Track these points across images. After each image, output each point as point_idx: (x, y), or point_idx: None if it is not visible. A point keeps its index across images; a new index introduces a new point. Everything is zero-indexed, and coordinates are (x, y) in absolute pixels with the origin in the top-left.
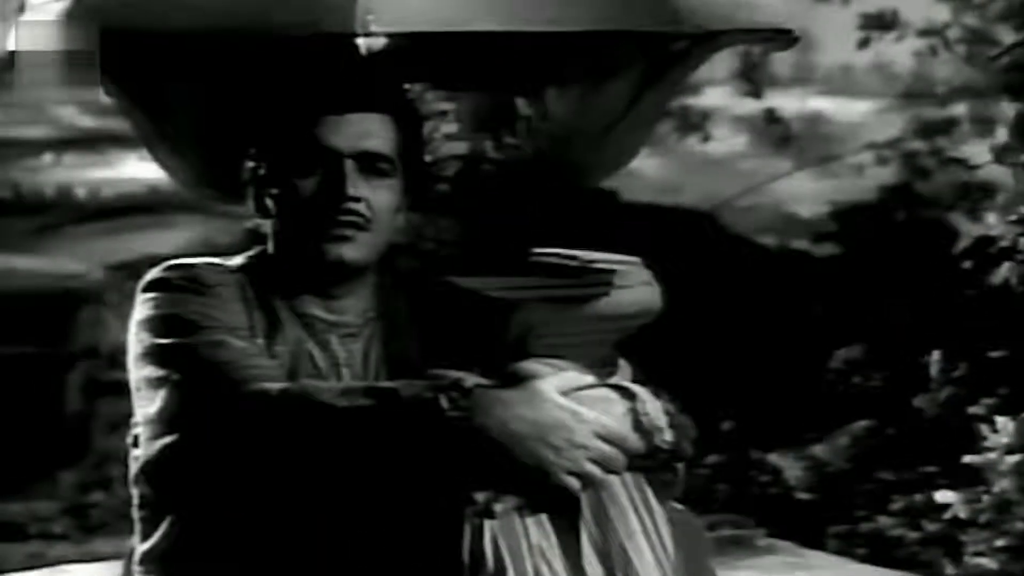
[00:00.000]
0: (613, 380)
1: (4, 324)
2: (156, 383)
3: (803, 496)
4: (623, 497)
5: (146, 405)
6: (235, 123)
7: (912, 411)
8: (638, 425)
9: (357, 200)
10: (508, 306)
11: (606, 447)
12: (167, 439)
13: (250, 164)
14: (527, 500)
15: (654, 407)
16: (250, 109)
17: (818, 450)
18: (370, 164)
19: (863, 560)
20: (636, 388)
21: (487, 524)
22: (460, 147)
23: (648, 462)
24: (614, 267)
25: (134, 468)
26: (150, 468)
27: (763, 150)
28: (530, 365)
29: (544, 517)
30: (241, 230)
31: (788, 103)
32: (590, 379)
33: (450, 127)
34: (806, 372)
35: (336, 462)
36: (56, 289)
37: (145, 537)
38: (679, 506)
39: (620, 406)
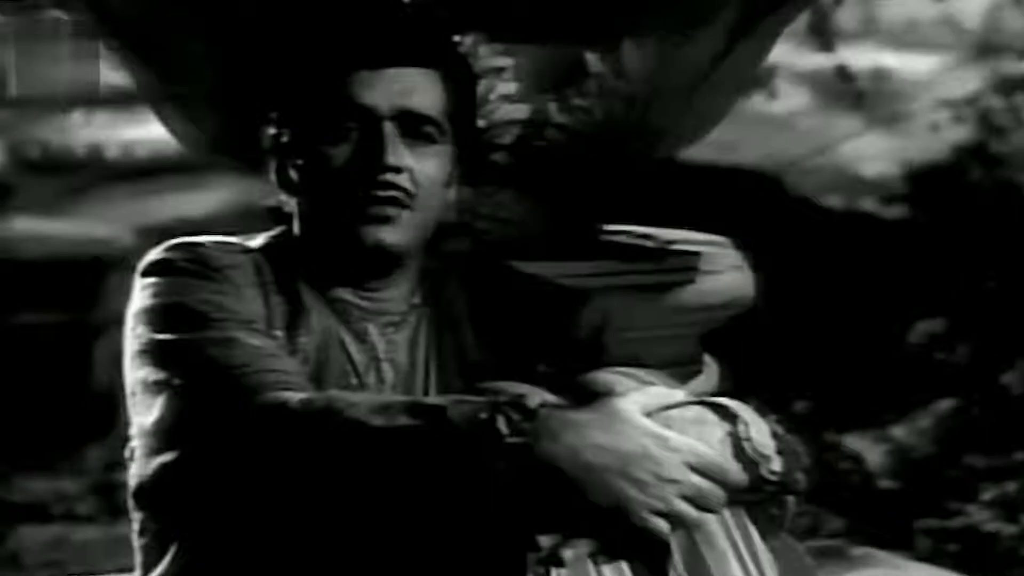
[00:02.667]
0: (697, 387)
1: (30, 291)
2: (154, 387)
3: (886, 484)
4: (721, 539)
5: (143, 413)
6: (254, 80)
7: (1000, 389)
8: (740, 452)
9: (398, 170)
10: (578, 296)
11: (702, 481)
12: (165, 457)
13: (271, 130)
14: (603, 545)
15: (759, 430)
16: (271, 63)
17: (899, 432)
18: (414, 127)
19: (956, 558)
20: (737, 406)
21: (554, 573)
22: (520, 110)
23: (752, 496)
24: (699, 249)
25: (131, 488)
26: (145, 490)
27: (826, 107)
28: (607, 377)
29: (624, 565)
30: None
31: (853, 58)
32: (680, 395)
33: (508, 86)
34: (883, 346)
35: (369, 493)
36: (84, 254)
37: (147, 569)
38: (787, 538)
39: (718, 429)
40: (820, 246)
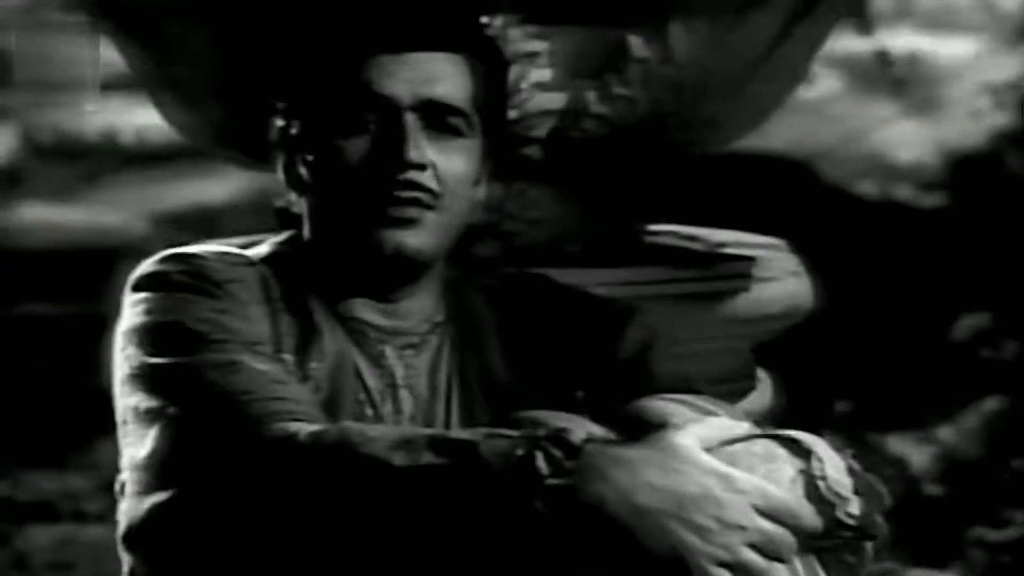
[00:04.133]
0: (750, 406)
1: (38, 281)
2: (146, 417)
3: (932, 491)
4: None
5: (134, 445)
6: (259, 66)
7: None
8: (814, 493)
9: (421, 167)
10: (620, 310)
11: (770, 526)
12: (158, 496)
13: (279, 122)
14: None
15: (835, 467)
16: (278, 47)
17: (944, 434)
18: (438, 118)
19: (1009, 572)
20: (810, 440)
21: None
22: (555, 99)
23: (826, 542)
24: (753, 253)
25: (121, 527)
26: (136, 532)
27: (860, 92)
28: (661, 405)
29: None
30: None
31: (888, 41)
32: (746, 426)
33: (542, 73)
34: (926, 343)
35: (388, 540)
36: (95, 243)
37: None
38: None
39: (789, 467)
40: (856, 237)
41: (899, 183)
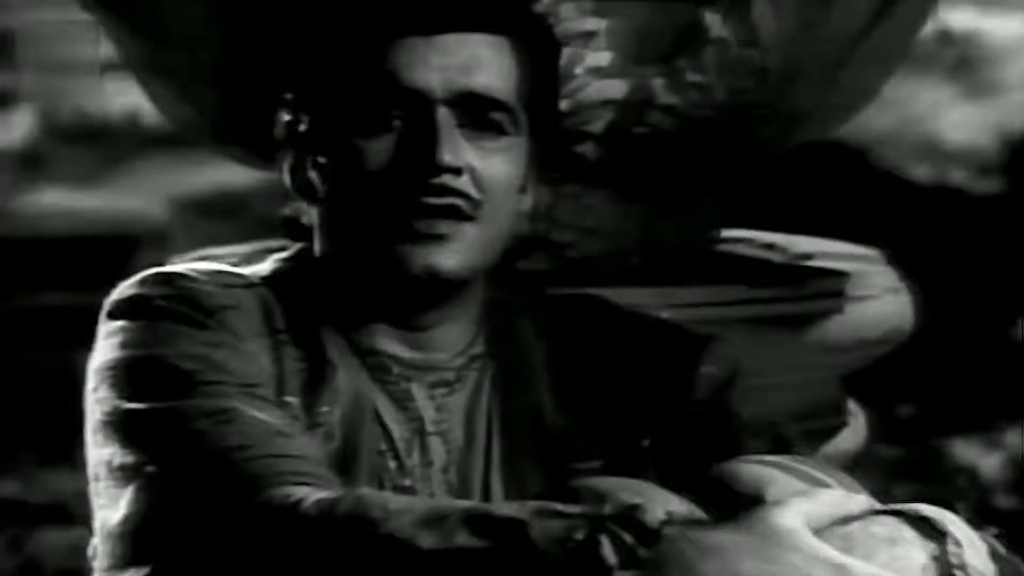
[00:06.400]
0: (841, 445)
1: (55, 270)
2: (121, 474)
3: (1005, 503)
4: None
5: (107, 507)
6: (264, 51)
7: None
8: None
9: (457, 171)
10: (696, 339)
11: None
12: (133, 573)
13: (286, 116)
14: None
15: (975, 551)
16: (286, 29)
17: (1013, 438)
18: (477, 114)
19: None
20: (944, 518)
21: None
22: (615, 88)
23: None
24: (843, 265)
25: None
26: None
27: (915, 74)
28: (754, 471)
29: None
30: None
31: (944, 20)
32: (862, 500)
33: (599, 57)
34: (988, 340)
35: None
36: (115, 229)
37: None
38: None
39: (919, 552)
40: (911, 225)
41: (953, 166)
